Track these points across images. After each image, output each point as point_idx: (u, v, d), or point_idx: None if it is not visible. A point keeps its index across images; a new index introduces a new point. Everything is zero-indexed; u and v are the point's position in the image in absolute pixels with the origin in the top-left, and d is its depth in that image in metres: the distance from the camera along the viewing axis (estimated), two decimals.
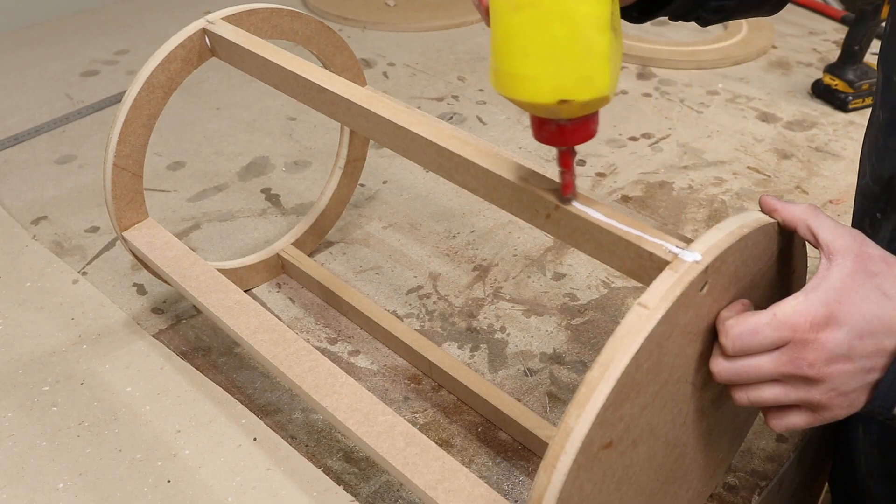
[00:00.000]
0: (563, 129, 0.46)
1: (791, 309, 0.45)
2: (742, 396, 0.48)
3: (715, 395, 0.55)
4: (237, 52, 0.73)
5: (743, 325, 0.45)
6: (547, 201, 0.53)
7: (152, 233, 0.78)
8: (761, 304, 0.52)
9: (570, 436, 0.42)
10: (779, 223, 0.50)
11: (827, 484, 1.04)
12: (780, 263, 0.53)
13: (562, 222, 0.53)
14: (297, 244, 0.90)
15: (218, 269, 0.77)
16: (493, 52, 0.44)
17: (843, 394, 0.46)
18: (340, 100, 0.64)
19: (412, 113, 0.61)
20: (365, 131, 0.63)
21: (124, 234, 0.77)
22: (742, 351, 0.46)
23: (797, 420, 0.48)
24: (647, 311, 0.43)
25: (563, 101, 0.43)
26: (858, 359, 0.45)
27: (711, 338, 0.49)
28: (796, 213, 0.49)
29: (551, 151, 1.13)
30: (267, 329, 0.66)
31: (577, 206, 0.52)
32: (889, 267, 0.46)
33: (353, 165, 0.92)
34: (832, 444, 0.79)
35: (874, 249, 0.47)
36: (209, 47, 0.75)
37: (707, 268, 0.44)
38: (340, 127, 0.90)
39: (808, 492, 0.85)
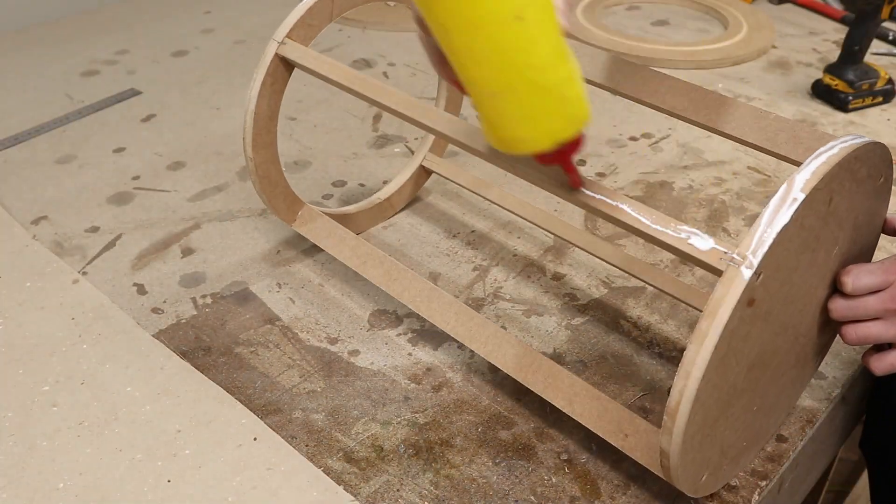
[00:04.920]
0: (558, 153, 0.52)
1: (894, 257, 0.59)
2: (851, 332, 0.60)
3: (810, 350, 0.64)
4: (313, 70, 0.77)
5: (860, 268, 0.59)
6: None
7: (318, 222, 0.87)
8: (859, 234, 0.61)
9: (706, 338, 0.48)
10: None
11: (827, 484, 1.04)
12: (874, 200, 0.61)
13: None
14: (355, 216, 0.96)
15: (333, 215, 0.89)
16: (481, 121, 0.51)
17: None
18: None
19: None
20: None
21: (294, 226, 0.87)
22: (858, 290, 0.58)
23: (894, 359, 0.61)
24: (789, 191, 0.49)
25: (557, 142, 0.50)
26: None
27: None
28: None
29: None
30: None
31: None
32: None
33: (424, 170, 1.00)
34: (860, 417, 0.85)
35: None
36: (289, 63, 0.80)
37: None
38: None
39: (809, 493, 0.85)
